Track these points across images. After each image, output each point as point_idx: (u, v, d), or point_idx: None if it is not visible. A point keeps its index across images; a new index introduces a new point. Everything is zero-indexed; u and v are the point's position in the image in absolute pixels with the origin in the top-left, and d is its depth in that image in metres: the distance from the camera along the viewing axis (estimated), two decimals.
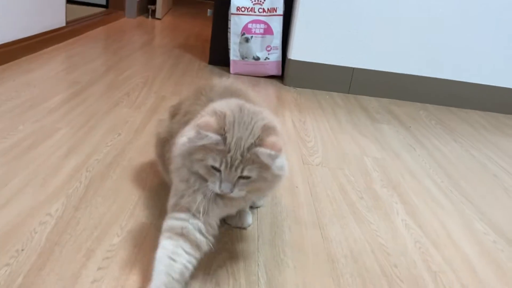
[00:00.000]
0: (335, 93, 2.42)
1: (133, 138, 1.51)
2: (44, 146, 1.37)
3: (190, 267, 0.83)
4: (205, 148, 0.79)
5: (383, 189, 1.38)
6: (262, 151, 0.77)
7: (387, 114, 2.16)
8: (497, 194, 1.46)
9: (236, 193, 0.81)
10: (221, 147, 0.79)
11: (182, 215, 0.85)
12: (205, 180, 0.83)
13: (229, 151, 0.78)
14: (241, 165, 0.79)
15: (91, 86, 2.00)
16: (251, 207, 1.15)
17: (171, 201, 0.88)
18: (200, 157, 0.80)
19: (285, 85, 2.46)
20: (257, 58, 2.51)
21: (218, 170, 0.80)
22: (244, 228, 1.08)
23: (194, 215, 0.84)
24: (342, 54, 2.37)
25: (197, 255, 0.84)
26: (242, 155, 0.79)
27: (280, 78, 2.56)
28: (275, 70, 2.56)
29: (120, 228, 1.02)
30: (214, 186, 0.81)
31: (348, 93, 2.44)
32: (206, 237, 0.85)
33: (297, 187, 1.32)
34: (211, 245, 0.86)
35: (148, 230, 1.02)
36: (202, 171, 0.82)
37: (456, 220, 1.25)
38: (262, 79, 2.53)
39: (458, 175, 1.55)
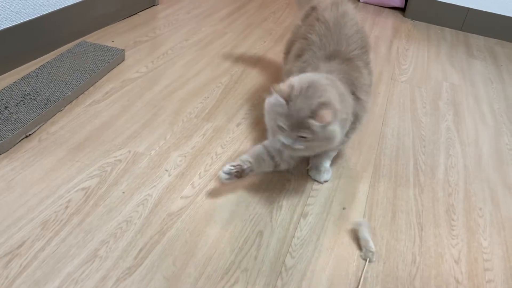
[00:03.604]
0: (447, 29, 2.77)
1: (273, 46, 2.17)
2: (217, 43, 2.10)
3: (264, 167, 1.25)
4: (278, 112, 1.08)
5: (445, 105, 1.87)
6: (312, 122, 1.05)
7: (487, 52, 2.49)
8: None
9: (296, 146, 1.10)
10: (285, 111, 1.07)
11: (271, 147, 1.25)
12: (274, 131, 1.15)
13: (292, 115, 1.06)
14: (298, 129, 1.07)
15: (249, 4, 2.68)
16: (318, 181, 1.34)
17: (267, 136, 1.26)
18: (274, 117, 1.11)
19: (405, 17, 2.87)
20: None
21: (284, 129, 1.09)
22: (320, 182, 1.33)
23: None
24: None
25: (271, 168, 1.27)
26: (300, 122, 1.06)
27: (402, 10, 2.96)
28: (399, 3, 2.95)
29: (257, 98, 1.72)
30: (282, 138, 1.11)
31: (460, 30, 2.77)
32: (280, 163, 1.26)
33: (379, 93, 1.89)
34: (282, 169, 1.28)
35: None
36: (275, 127, 1.12)
37: (490, 132, 1.72)
38: (386, 10, 2.96)
39: None
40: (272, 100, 1.11)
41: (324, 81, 1.13)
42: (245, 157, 1.23)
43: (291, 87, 1.08)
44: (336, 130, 1.09)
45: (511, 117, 1.85)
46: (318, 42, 1.30)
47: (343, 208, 1.25)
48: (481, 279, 1.10)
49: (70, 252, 1.01)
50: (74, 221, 1.09)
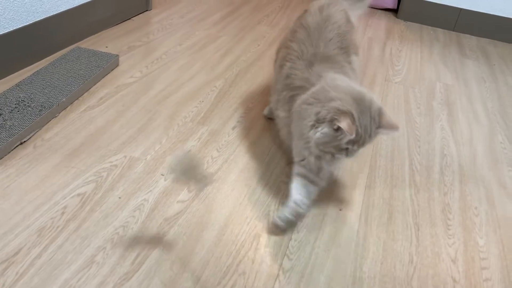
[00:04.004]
0: (440, 30, 2.78)
1: (267, 49, 2.17)
2: (211, 47, 2.11)
3: (312, 196, 1.19)
4: (342, 139, 1.04)
5: (439, 105, 1.88)
6: (384, 131, 1.07)
7: (479, 52, 2.51)
8: None
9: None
10: (354, 137, 1.03)
11: (307, 171, 1.19)
12: (333, 154, 1.09)
13: (361, 136, 1.05)
14: (367, 141, 1.08)
15: (242, 7, 2.68)
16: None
17: (298, 162, 1.22)
18: (338, 144, 1.06)
19: (398, 18, 2.88)
20: None
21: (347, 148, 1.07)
22: None
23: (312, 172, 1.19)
24: None
25: (316, 193, 1.20)
26: (370, 136, 1.07)
27: (394, 11, 2.97)
28: (391, 4, 2.97)
29: (252, 102, 1.72)
30: (343, 156, 1.08)
31: (453, 30, 2.78)
32: (319, 182, 1.20)
33: (374, 94, 1.89)
34: (322, 187, 1.21)
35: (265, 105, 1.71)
36: (334, 151, 1.08)
37: (484, 131, 1.73)
38: (378, 11, 2.97)
39: (509, 104, 1.96)
40: (328, 132, 1.05)
41: (352, 84, 1.13)
42: (299, 199, 1.16)
43: (352, 116, 1.03)
44: None
45: (504, 116, 1.87)
46: (298, 50, 1.28)
47: (340, 209, 1.25)
48: (478, 278, 1.11)
49: (67, 259, 1.01)
50: (71, 227, 1.08)
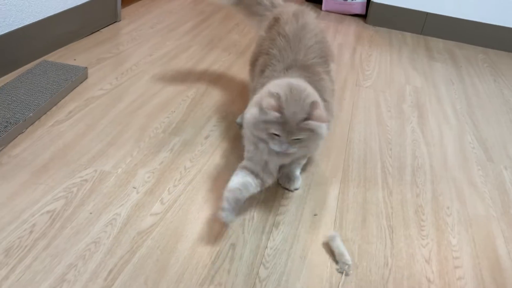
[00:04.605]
0: (408, 34, 2.84)
1: (238, 58, 2.17)
2: (182, 57, 2.10)
3: (252, 189, 1.20)
4: (268, 122, 1.09)
5: (409, 108, 1.91)
6: (312, 123, 1.09)
7: (446, 54, 2.57)
8: (501, 123, 1.90)
9: (291, 150, 1.12)
10: (280, 120, 1.08)
11: (253, 165, 1.21)
12: (266, 142, 1.13)
13: (287, 122, 1.08)
14: (296, 132, 1.09)
15: (213, 16, 2.69)
16: (288, 190, 1.34)
17: (246, 155, 1.23)
18: (264, 127, 1.10)
19: (366, 23, 2.93)
20: None
21: (278, 136, 1.10)
22: (291, 190, 1.33)
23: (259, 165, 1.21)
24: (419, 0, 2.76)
25: (259, 187, 1.22)
26: (297, 125, 1.08)
27: (363, 17, 3.02)
28: (360, 10, 3.02)
29: (224, 110, 1.72)
30: (275, 146, 1.11)
31: (421, 34, 2.85)
32: (266, 178, 1.22)
33: (345, 99, 1.91)
34: (268, 184, 1.24)
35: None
36: (265, 137, 1.12)
37: (453, 132, 1.76)
38: (348, 17, 3.02)
39: (477, 105, 2.01)
40: (256, 112, 1.11)
41: (301, 82, 1.17)
42: (231, 186, 1.16)
43: (278, 97, 1.09)
44: (326, 127, 1.14)
45: (472, 116, 1.91)
46: (278, 55, 1.31)
47: (315, 215, 1.25)
48: (451, 277, 1.12)
49: (36, 279, 0.98)
50: (40, 246, 1.05)
